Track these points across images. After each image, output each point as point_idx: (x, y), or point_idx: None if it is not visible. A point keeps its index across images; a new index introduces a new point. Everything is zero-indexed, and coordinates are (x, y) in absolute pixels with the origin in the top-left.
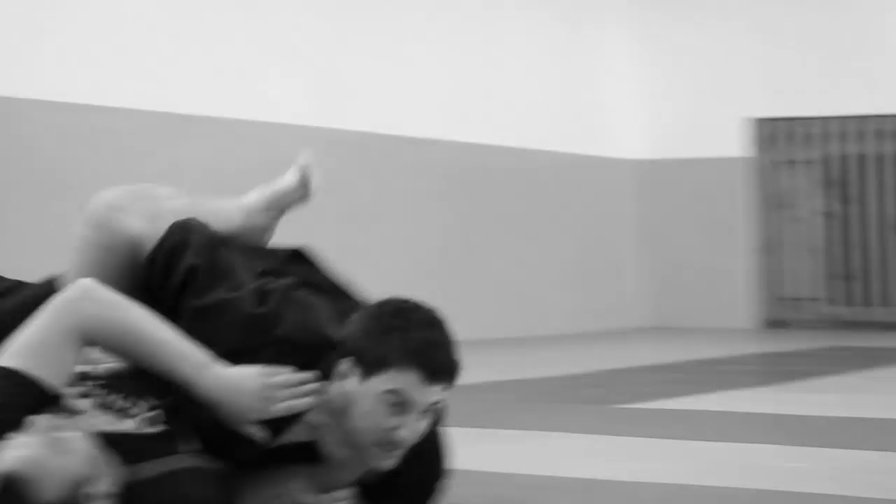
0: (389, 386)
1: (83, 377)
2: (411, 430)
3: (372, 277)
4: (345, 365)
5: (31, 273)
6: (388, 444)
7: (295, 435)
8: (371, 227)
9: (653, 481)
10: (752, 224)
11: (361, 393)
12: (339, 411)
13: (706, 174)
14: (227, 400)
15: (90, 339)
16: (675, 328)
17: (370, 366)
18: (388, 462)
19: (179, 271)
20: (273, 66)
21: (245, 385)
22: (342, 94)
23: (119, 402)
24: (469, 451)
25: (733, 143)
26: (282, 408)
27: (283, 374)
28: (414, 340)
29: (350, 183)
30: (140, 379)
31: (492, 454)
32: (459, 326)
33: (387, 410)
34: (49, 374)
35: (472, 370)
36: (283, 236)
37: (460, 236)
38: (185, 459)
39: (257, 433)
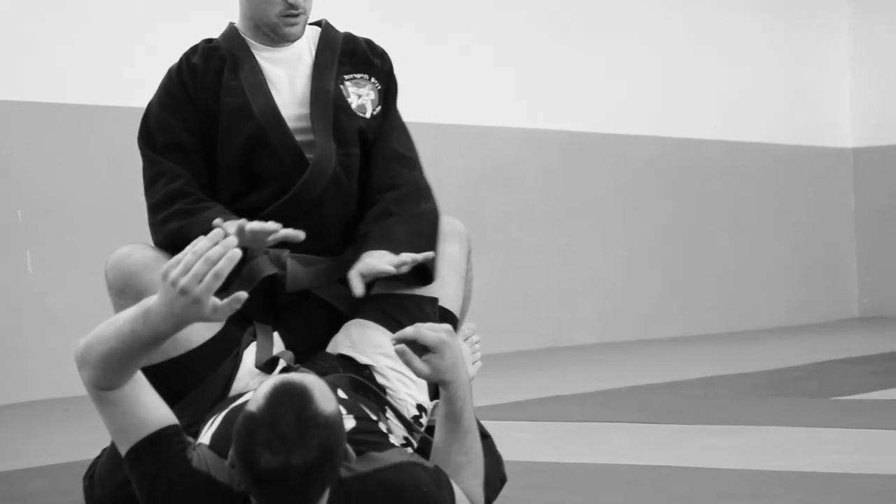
0: None
1: None
2: None
3: (589, 275)
4: None
5: None
6: (286, 13)
7: (261, 268)
8: (580, 226)
9: (877, 472)
10: None
11: None
12: (246, 10)
13: None
14: (171, 324)
15: (106, 385)
16: (890, 318)
17: None
18: (295, 29)
19: None
20: (482, 67)
21: (163, 301)
22: (547, 92)
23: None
24: (688, 446)
25: None
26: (206, 286)
27: (178, 260)
28: None
29: (558, 182)
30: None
31: (711, 449)
32: (672, 323)
33: None
34: (155, 416)
35: (689, 366)
36: (491, 233)
37: (675, 232)
38: (403, 453)
39: (223, 309)
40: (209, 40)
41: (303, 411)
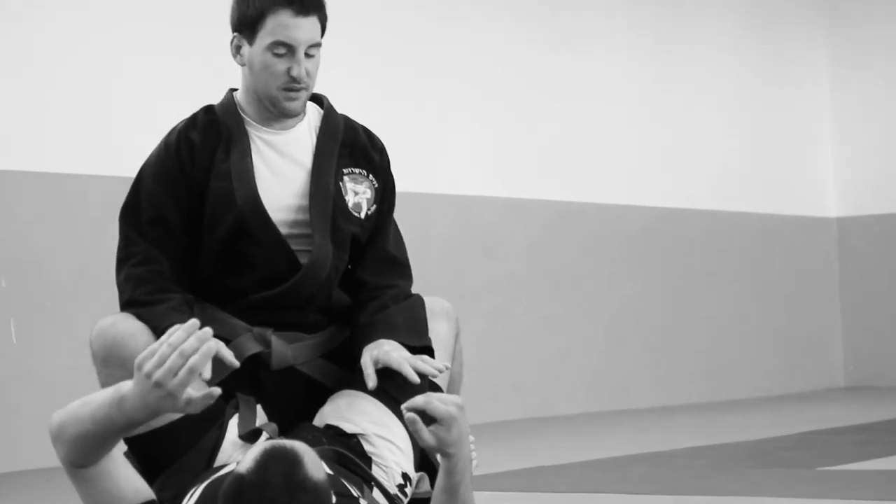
0: (269, 39)
1: None
2: (301, 68)
3: (566, 344)
4: (234, 41)
5: None
6: (288, 87)
7: (246, 346)
8: (564, 295)
9: None
10: None
11: (253, 53)
12: (249, 82)
13: None
14: (145, 414)
15: (81, 463)
16: (876, 388)
17: (251, 28)
18: (295, 104)
19: None
20: (459, 134)
21: (137, 391)
22: (530, 162)
23: None
24: None
25: None
26: (180, 381)
27: (153, 351)
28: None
29: (542, 251)
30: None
31: None
32: (654, 393)
33: (276, 59)
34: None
35: (669, 436)
36: (475, 302)
37: (658, 301)
38: None
39: (197, 403)
40: (208, 109)
41: (292, 475)
